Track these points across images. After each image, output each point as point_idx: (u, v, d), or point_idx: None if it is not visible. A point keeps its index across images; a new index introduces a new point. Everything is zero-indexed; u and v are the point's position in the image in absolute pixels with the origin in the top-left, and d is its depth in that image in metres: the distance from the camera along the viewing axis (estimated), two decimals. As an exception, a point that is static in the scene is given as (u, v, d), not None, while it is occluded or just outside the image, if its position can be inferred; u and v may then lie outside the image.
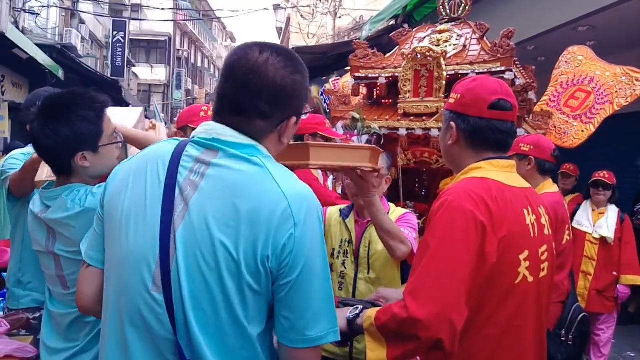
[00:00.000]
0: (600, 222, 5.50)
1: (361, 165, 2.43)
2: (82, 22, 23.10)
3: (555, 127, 4.84)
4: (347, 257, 2.89)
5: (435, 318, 1.61)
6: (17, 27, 13.20)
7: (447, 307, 1.62)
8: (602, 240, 5.46)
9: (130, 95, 23.18)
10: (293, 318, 1.40)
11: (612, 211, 5.53)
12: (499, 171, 1.88)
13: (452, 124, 1.93)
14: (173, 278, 1.37)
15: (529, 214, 1.84)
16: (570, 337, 3.34)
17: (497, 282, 1.71)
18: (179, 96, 39.39)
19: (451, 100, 1.97)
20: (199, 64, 47.84)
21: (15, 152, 3.05)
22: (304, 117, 1.66)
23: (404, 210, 2.97)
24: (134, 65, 33.07)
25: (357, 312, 1.95)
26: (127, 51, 26.57)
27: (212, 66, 53.10)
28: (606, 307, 5.47)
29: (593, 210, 5.61)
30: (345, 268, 2.88)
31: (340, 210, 3.00)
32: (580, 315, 3.40)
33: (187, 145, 1.49)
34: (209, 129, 1.48)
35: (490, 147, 1.91)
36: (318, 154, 2.32)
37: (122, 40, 25.80)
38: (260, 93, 1.44)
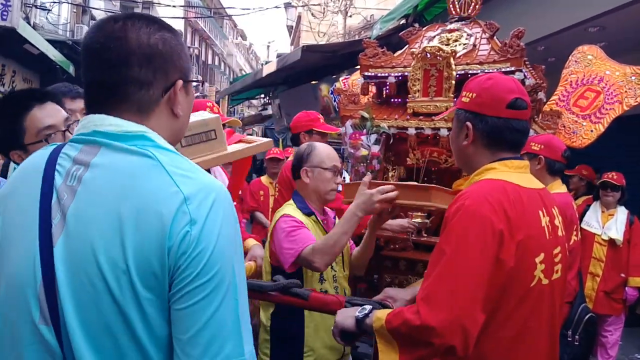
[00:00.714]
0: (609, 223, 5.49)
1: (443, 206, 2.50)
2: (93, 18, 23.17)
3: (564, 126, 4.83)
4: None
5: (448, 325, 1.61)
6: (29, 23, 13.27)
7: (460, 314, 1.61)
8: (611, 241, 5.46)
9: (141, 91, 23.24)
10: (184, 340, 1.13)
11: (622, 213, 5.52)
12: (513, 172, 1.85)
13: (469, 124, 1.89)
14: (59, 305, 1.13)
15: (543, 215, 1.82)
16: (577, 337, 3.34)
17: (513, 286, 1.70)
18: (189, 93, 39.35)
19: (465, 99, 1.93)
20: (210, 62, 47.78)
21: None
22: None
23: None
24: (145, 62, 33.11)
25: (366, 312, 1.94)
26: (137, 48, 26.60)
27: (222, 64, 53.14)
28: (614, 308, 5.47)
29: (602, 211, 5.60)
30: (336, 271, 2.84)
31: (304, 212, 2.85)
32: (587, 316, 3.39)
33: (65, 146, 1.26)
34: (86, 122, 1.25)
35: (506, 147, 1.89)
36: (440, 195, 2.50)
37: (133, 37, 25.82)
38: (129, 59, 1.22)
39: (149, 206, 1.13)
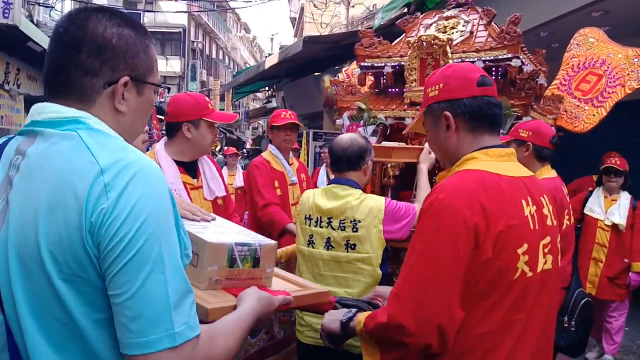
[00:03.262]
0: (612, 208, 5.46)
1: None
2: (96, 14, 23.22)
3: (566, 111, 4.78)
4: None
5: (418, 322, 1.59)
6: (32, 21, 13.29)
7: (432, 312, 1.59)
8: (614, 227, 5.43)
9: (146, 87, 23.28)
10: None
11: (625, 198, 5.48)
12: (495, 161, 1.80)
13: (447, 113, 1.85)
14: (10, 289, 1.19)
15: (527, 204, 1.74)
16: (573, 323, 3.33)
17: (494, 280, 1.64)
18: (194, 88, 39.31)
19: (433, 93, 1.90)
20: (214, 55, 47.68)
21: None
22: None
23: None
24: (149, 57, 33.12)
25: (350, 314, 1.94)
26: (141, 43, 26.57)
27: (227, 57, 53.00)
28: (617, 294, 5.45)
29: (605, 196, 5.56)
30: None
31: None
32: (583, 301, 3.37)
33: (13, 138, 1.32)
34: (31, 112, 1.31)
35: (487, 127, 1.85)
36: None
37: (137, 33, 25.79)
38: (80, 45, 1.25)
39: (67, 185, 1.15)
